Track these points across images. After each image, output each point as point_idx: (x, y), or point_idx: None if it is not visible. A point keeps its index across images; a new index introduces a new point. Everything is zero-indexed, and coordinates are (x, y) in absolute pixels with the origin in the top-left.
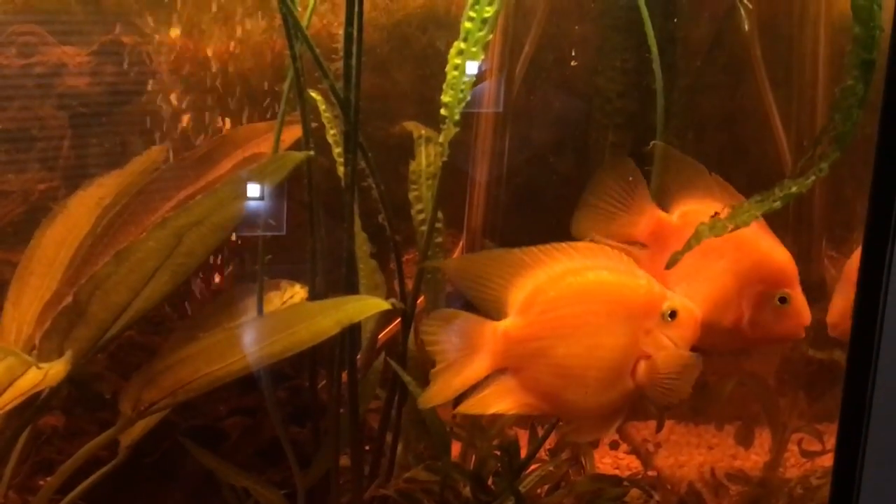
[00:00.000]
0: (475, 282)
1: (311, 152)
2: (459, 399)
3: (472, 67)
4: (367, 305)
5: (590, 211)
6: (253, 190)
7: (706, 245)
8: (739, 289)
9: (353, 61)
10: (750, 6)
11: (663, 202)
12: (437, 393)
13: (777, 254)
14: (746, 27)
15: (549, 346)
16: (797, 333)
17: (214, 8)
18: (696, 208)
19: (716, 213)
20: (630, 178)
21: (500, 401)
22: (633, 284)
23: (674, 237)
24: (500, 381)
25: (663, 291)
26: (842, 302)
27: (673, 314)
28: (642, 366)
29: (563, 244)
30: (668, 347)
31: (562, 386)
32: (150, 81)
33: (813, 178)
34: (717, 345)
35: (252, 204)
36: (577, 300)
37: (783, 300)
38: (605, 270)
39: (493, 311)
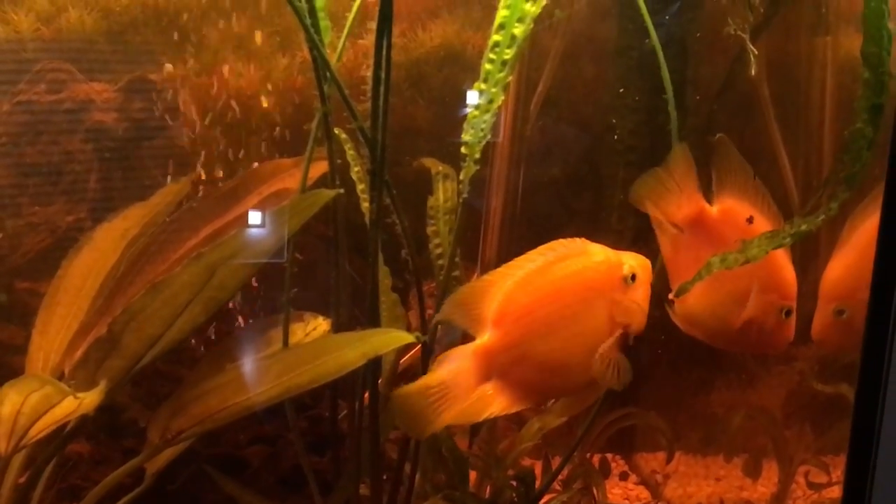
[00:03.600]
0: (462, 318)
1: (341, 190)
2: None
3: (473, 97)
4: (392, 338)
5: (652, 181)
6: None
7: (734, 245)
8: (757, 292)
9: (381, 102)
10: (756, 52)
11: (708, 193)
12: (432, 423)
13: (791, 268)
14: (753, 71)
15: (531, 348)
16: (783, 348)
17: (238, 45)
18: (735, 206)
19: (750, 217)
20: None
21: (491, 405)
22: (594, 264)
23: (710, 228)
24: (484, 387)
25: (619, 258)
26: (821, 317)
27: (633, 277)
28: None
29: (521, 256)
30: (638, 311)
31: (549, 377)
32: (175, 117)
33: (823, 216)
34: (719, 340)
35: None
36: (547, 300)
37: (788, 313)
38: (564, 261)
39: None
